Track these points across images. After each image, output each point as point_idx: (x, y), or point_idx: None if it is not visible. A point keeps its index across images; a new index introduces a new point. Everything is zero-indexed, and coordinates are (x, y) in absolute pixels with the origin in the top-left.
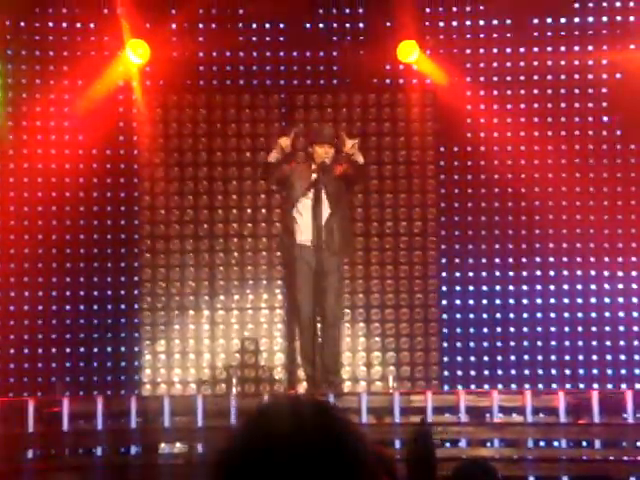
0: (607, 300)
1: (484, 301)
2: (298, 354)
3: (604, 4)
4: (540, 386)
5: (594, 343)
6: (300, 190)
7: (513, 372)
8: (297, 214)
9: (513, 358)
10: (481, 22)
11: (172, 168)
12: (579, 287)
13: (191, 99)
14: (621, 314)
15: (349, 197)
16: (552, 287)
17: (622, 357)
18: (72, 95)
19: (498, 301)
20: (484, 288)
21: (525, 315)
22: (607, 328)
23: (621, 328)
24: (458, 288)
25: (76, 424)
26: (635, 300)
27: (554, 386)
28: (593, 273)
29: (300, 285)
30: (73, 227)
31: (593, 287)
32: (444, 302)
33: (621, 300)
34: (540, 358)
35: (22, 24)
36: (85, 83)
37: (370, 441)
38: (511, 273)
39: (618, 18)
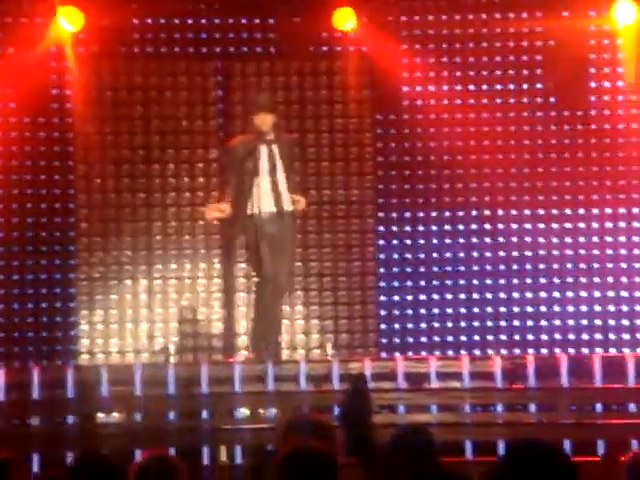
0: (542, 266)
1: (421, 269)
2: (252, 324)
3: None
4: (477, 352)
5: (529, 309)
6: (248, 163)
7: (450, 339)
8: (249, 186)
9: (450, 325)
10: None
11: (107, 136)
12: (515, 253)
13: (126, 66)
14: (556, 280)
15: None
16: (488, 254)
17: (557, 322)
18: (3, 62)
19: (436, 269)
20: (421, 255)
21: (462, 282)
22: (543, 294)
23: (556, 294)
24: (396, 256)
25: (12, 394)
26: (569, 265)
27: (490, 352)
28: (528, 239)
29: (264, 255)
30: (6, 197)
31: (528, 253)
32: (382, 270)
33: (556, 266)
34: (476, 324)
35: None
36: (17, 50)
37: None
38: (448, 240)
39: None
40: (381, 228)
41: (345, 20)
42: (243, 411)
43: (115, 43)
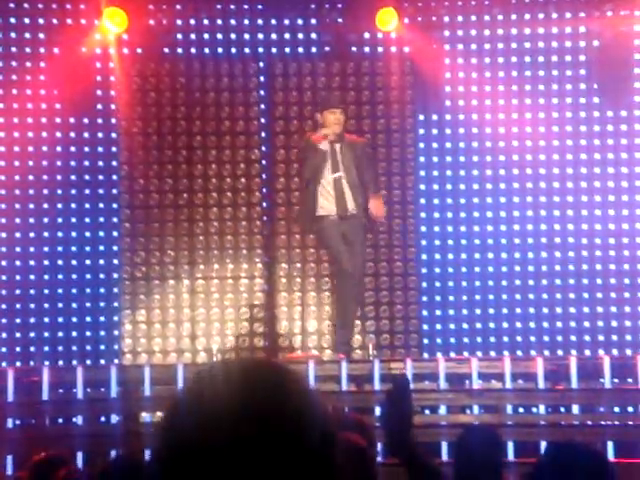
0: (585, 267)
1: (463, 269)
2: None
3: None
4: (519, 353)
5: (572, 310)
6: (318, 163)
7: (492, 340)
8: (319, 187)
9: (492, 325)
10: None
11: (151, 137)
12: (558, 254)
13: (169, 67)
14: (599, 281)
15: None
16: (531, 254)
17: (600, 324)
18: (49, 64)
19: (477, 269)
20: (463, 256)
21: (504, 283)
22: (585, 295)
23: (599, 295)
24: (438, 257)
25: (56, 393)
26: (612, 267)
27: (533, 353)
28: (571, 240)
29: (336, 247)
30: (51, 196)
31: (571, 254)
32: (424, 270)
33: (599, 267)
34: (519, 325)
35: None
36: (62, 51)
37: (346, 408)
38: (490, 241)
39: None
40: (423, 229)
41: (388, 21)
42: None
43: (159, 44)
